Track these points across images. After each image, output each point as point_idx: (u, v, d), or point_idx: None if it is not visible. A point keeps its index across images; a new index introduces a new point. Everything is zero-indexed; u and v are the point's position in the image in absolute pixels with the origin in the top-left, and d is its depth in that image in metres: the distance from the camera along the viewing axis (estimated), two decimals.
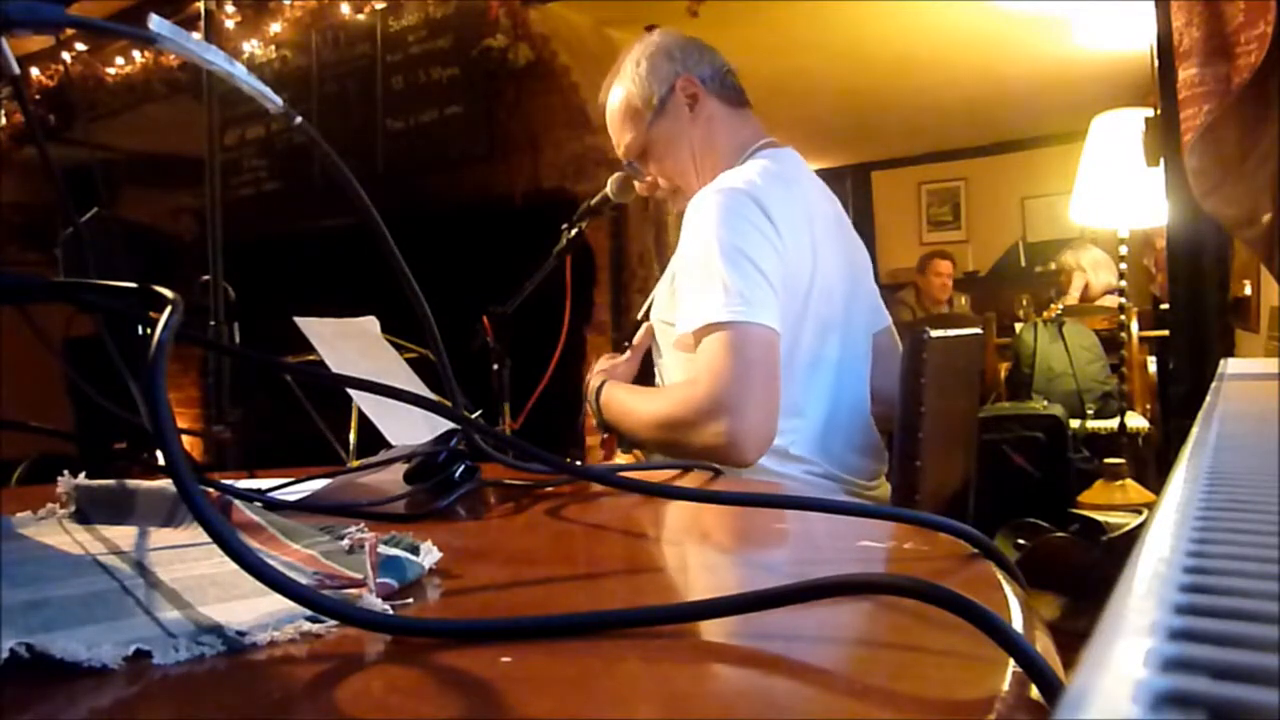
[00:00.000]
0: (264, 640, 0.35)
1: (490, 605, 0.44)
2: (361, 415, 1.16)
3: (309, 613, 0.36)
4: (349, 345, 1.21)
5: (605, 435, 1.35)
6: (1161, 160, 1.84)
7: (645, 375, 1.40)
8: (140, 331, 0.46)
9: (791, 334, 1.23)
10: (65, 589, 0.39)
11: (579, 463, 0.97)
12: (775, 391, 1.13)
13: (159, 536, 0.51)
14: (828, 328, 1.28)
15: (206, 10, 1.94)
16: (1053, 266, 5.86)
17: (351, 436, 1.61)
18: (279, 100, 0.53)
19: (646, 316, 1.42)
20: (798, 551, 0.60)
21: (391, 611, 0.38)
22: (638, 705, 0.31)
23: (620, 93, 1.40)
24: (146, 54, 4.94)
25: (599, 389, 1.34)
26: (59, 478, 0.59)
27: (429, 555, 0.47)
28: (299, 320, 1.14)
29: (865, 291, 1.42)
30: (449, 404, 0.63)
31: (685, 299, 1.20)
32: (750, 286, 1.13)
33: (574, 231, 1.52)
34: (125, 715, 0.30)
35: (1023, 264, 6.87)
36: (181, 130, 3.73)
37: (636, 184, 1.45)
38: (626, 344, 1.43)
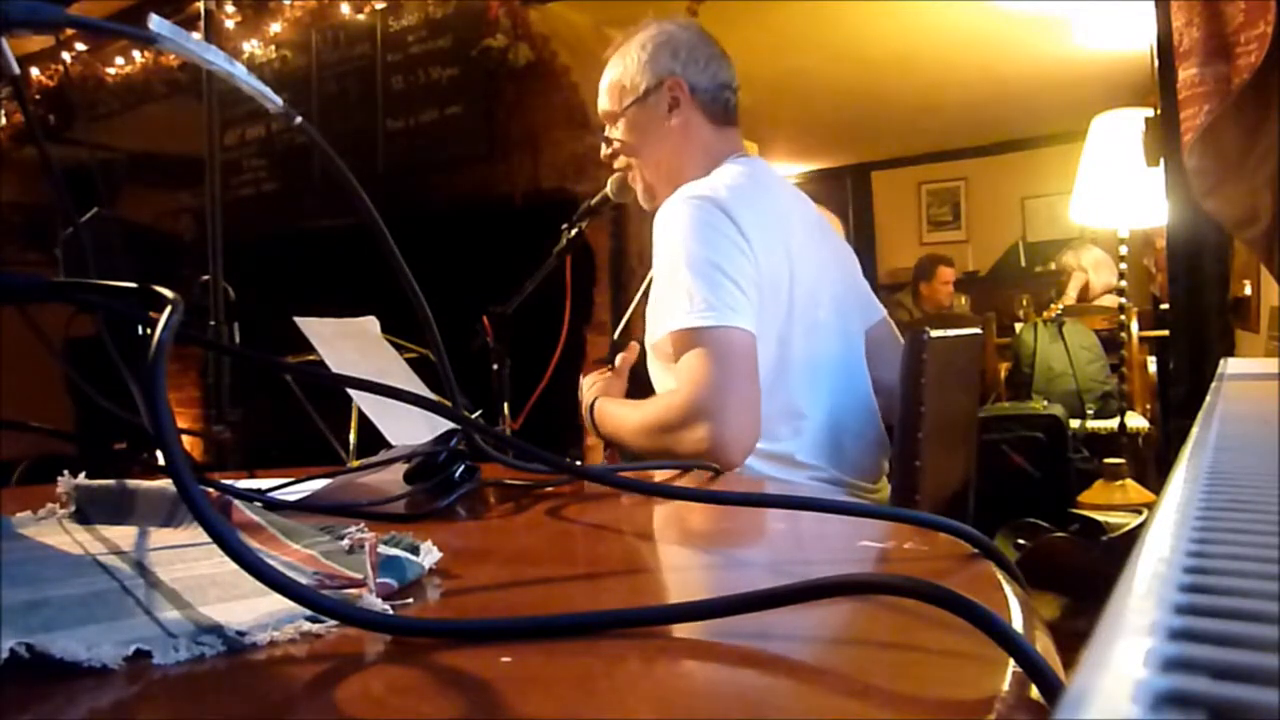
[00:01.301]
0: (264, 640, 0.35)
1: (490, 605, 0.44)
2: (361, 415, 1.15)
3: (309, 613, 0.36)
4: (349, 345, 1.21)
5: (608, 450, 1.37)
6: (1161, 160, 1.84)
7: (636, 391, 1.41)
8: (140, 331, 0.46)
9: (780, 336, 1.23)
10: (65, 589, 0.39)
11: (579, 463, 0.98)
12: (755, 393, 1.14)
13: (159, 536, 0.51)
14: (819, 328, 1.28)
15: (206, 10, 1.94)
16: (1053, 266, 5.87)
17: (351, 436, 1.60)
18: (279, 100, 0.53)
19: (624, 335, 1.43)
20: (798, 551, 0.60)
21: (391, 611, 0.38)
22: (638, 705, 0.31)
23: (617, 65, 1.41)
24: (146, 54, 4.94)
25: (592, 406, 1.35)
26: (59, 478, 0.59)
27: (429, 555, 0.47)
28: (299, 320, 1.14)
29: (855, 289, 1.42)
30: (449, 404, 0.63)
31: (659, 309, 1.21)
32: (720, 293, 1.14)
33: (574, 231, 1.52)
34: (125, 715, 0.30)
35: (1023, 264, 6.87)
36: (181, 130, 3.73)
37: (603, 148, 1.46)
38: (610, 366, 1.43)
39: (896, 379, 1.24)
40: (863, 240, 6.94)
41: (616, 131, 1.41)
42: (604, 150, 1.46)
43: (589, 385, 1.41)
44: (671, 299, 1.17)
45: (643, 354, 1.41)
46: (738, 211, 1.20)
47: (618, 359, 1.42)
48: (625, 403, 1.33)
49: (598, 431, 1.35)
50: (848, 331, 1.35)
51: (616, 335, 1.50)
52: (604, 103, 1.43)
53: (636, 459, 1.29)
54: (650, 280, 1.33)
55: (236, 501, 0.50)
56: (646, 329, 1.34)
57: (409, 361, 1.27)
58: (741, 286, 1.16)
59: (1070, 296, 5.13)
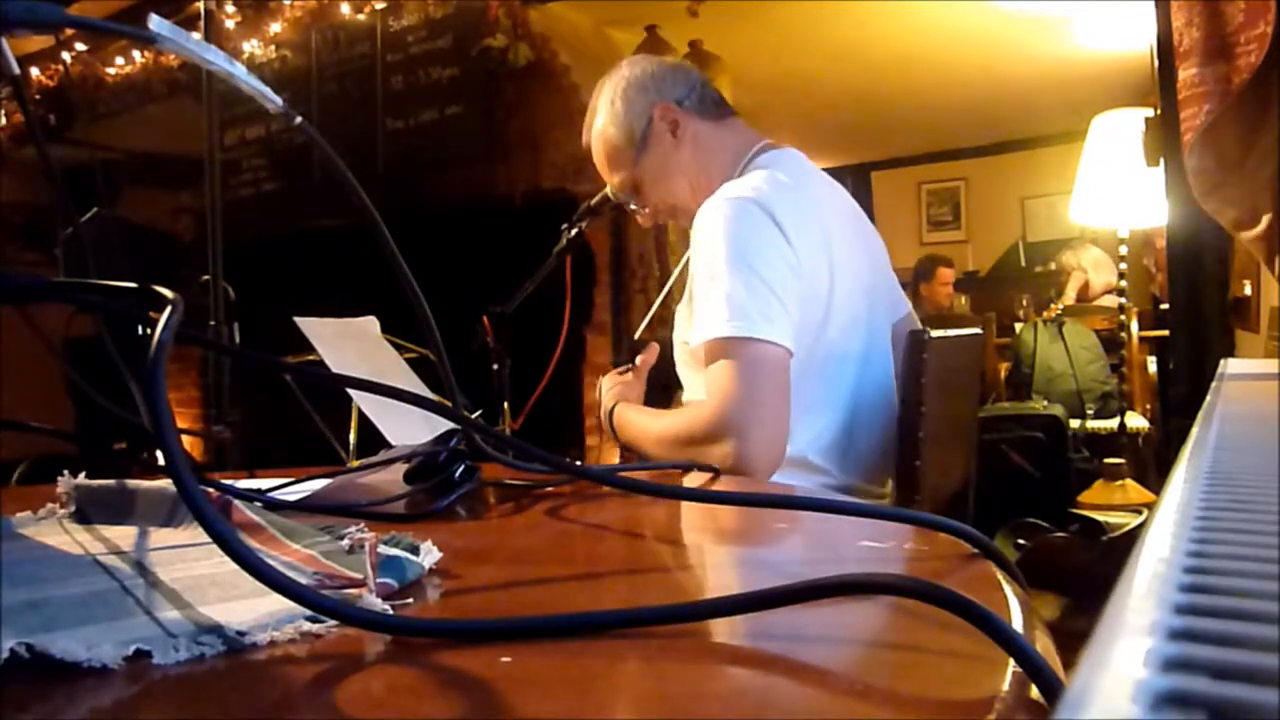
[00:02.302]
0: (264, 640, 0.35)
1: (490, 605, 0.44)
2: (361, 415, 1.16)
3: (309, 613, 0.36)
4: (349, 345, 1.21)
5: (625, 454, 1.35)
6: (1161, 160, 1.84)
7: (653, 394, 1.40)
8: (140, 331, 0.46)
9: (814, 334, 1.21)
10: (65, 589, 0.39)
11: (579, 463, 0.97)
12: (784, 411, 1.12)
13: (159, 536, 0.51)
14: (851, 324, 1.26)
15: (206, 10, 1.94)
16: (1053, 266, 5.87)
17: (351, 436, 1.60)
18: (279, 100, 0.53)
19: (646, 334, 1.42)
20: (798, 551, 0.59)
21: (391, 611, 0.38)
22: (638, 705, 0.31)
23: (601, 134, 1.39)
24: (146, 54, 4.94)
25: (612, 410, 1.34)
26: (59, 478, 0.59)
27: (429, 555, 0.47)
28: (299, 320, 1.14)
29: (884, 282, 1.40)
30: (449, 404, 0.63)
31: (696, 314, 1.18)
32: (758, 302, 1.11)
33: (574, 231, 1.52)
34: (125, 715, 0.30)
35: (1023, 264, 6.87)
36: (181, 130, 3.73)
37: (638, 218, 1.44)
38: (630, 364, 1.42)
39: None
40: None
41: (645, 196, 1.39)
42: (642, 221, 1.44)
43: (608, 389, 1.39)
44: (710, 304, 1.14)
45: (663, 355, 1.39)
46: (780, 211, 1.16)
47: (638, 360, 1.41)
48: (648, 411, 1.30)
49: (616, 437, 1.34)
50: (875, 324, 1.33)
51: (638, 335, 1.49)
52: (615, 179, 1.40)
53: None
54: (674, 281, 1.32)
55: (236, 501, 0.50)
56: (677, 327, 1.33)
57: (409, 361, 1.27)
58: (780, 296, 1.13)
59: (1070, 296, 5.13)
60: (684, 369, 1.32)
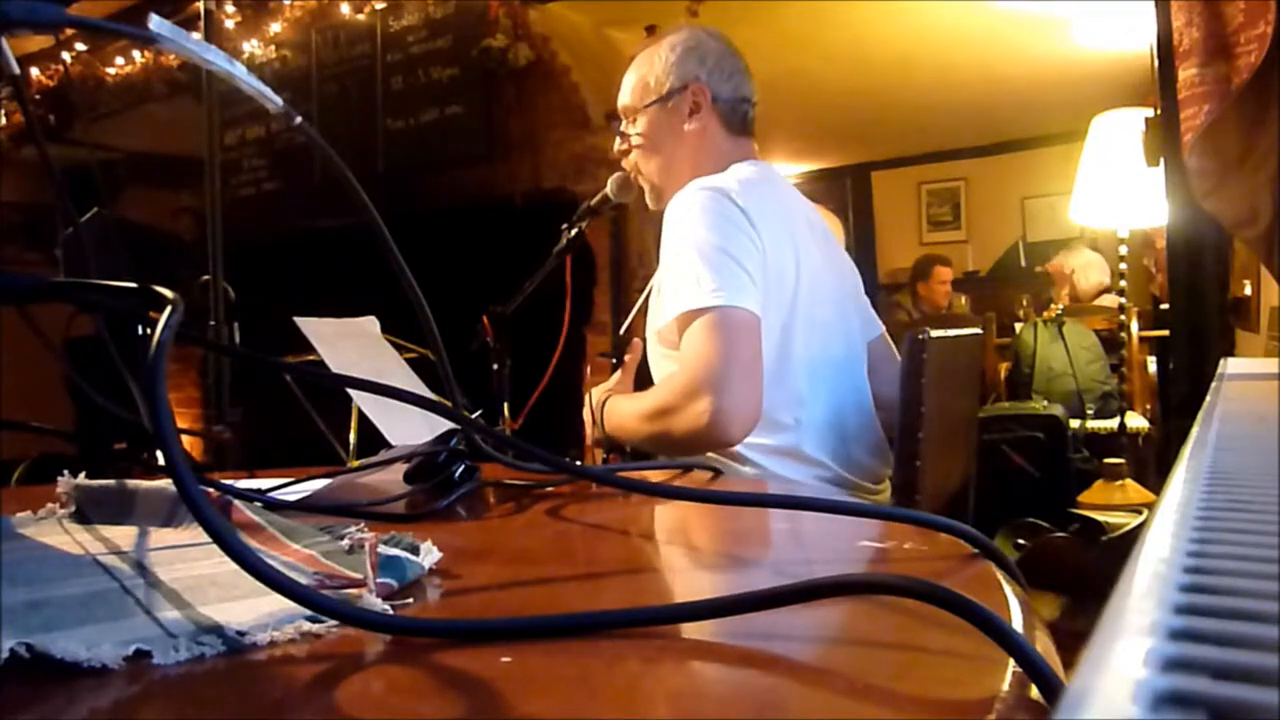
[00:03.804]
0: (264, 640, 0.35)
1: (490, 605, 0.44)
2: (361, 415, 1.16)
3: (309, 613, 0.36)
4: (349, 345, 1.21)
5: (608, 455, 1.35)
6: (1161, 160, 1.83)
7: (640, 389, 1.41)
8: (140, 331, 0.46)
9: (783, 328, 1.24)
10: (65, 589, 0.39)
11: (579, 463, 0.97)
12: (757, 369, 1.15)
13: (159, 536, 0.51)
14: (820, 326, 1.29)
15: (206, 10, 1.95)
16: (1037, 270, 5.87)
17: (351, 436, 1.60)
18: (279, 100, 0.53)
19: (630, 330, 1.43)
20: (798, 551, 0.60)
21: (391, 611, 0.38)
22: (638, 705, 0.31)
23: (644, 63, 1.42)
24: (146, 54, 4.94)
25: (602, 404, 1.35)
26: (59, 478, 0.59)
27: (429, 555, 0.47)
28: (299, 320, 1.14)
29: (857, 299, 1.45)
30: (449, 404, 0.63)
31: (666, 295, 1.22)
32: (726, 275, 1.15)
33: (574, 231, 1.52)
34: (125, 715, 0.30)
35: (1023, 264, 6.86)
36: (181, 130, 3.73)
37: (616, 144, 1.47)
38: (615, 360, 1.43)
39: (895, 393, 1.24)
40: (863, 240, 6.94)
41: (634, 128, 1.42)
42: (617, 144, 1.47)
43: (599, 392, 1.41)
44: (680, 283, 1.18)
45: (645, 351, 1.41)
46: (748, 203, 1.21)
47: (626, 358, 1.42)
48: (630, 396, 1.33)
49: (604, 430, 1.34)
50: (849, 334, 1.36)
51: (622, 331, 1.50)
52: (625, 98, 1.44)
53: (640, 455, 1.28)
54: (654, 283, 1.33)
55: (236, 501, 0.50)
56: (649, 318, 1.34)
57: (409, 361, 1.27)
58: (749, 271, 1.17)
59: (1063, 298, 5.13)
60: (655, 358, 1.34)
